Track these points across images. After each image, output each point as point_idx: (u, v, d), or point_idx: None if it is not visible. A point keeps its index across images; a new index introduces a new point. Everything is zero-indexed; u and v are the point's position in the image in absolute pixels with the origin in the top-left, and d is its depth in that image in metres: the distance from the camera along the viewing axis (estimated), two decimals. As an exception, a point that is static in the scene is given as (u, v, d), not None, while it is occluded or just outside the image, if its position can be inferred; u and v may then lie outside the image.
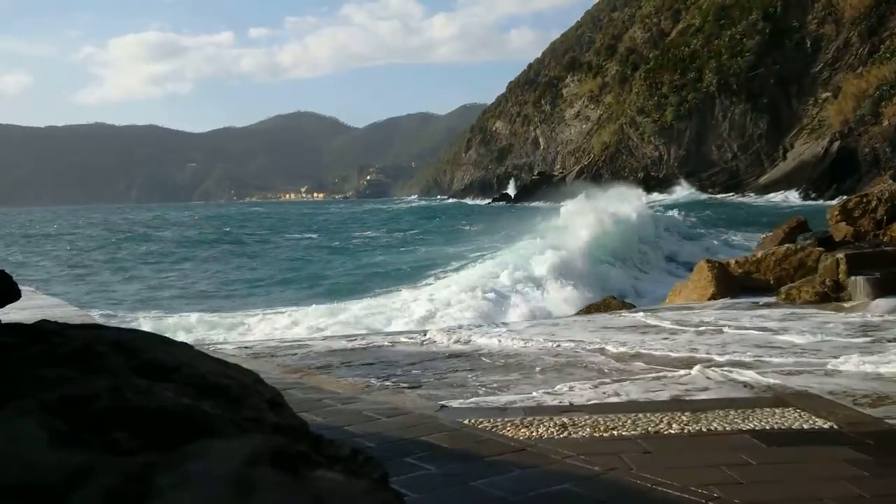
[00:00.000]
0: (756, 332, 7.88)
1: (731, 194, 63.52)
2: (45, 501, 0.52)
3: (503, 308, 13.25)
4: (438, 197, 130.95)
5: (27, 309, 7.38)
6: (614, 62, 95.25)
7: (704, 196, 62.56)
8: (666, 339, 7.72)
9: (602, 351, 7.11)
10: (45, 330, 1.17)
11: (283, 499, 0.55)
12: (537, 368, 6.43)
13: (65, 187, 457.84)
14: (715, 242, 23.27)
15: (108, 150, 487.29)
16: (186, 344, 1.30)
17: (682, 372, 6.01)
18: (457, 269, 19.11)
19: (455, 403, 5.19)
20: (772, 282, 11.52)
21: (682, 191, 66.21)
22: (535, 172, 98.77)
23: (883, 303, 9.71)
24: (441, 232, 38.54)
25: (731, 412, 4.69)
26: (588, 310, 11.44)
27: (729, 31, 69.98)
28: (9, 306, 1.58)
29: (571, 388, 5.59)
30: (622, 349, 7.13)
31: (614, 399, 5.28)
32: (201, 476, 0.55)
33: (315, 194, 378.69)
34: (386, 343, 8.08)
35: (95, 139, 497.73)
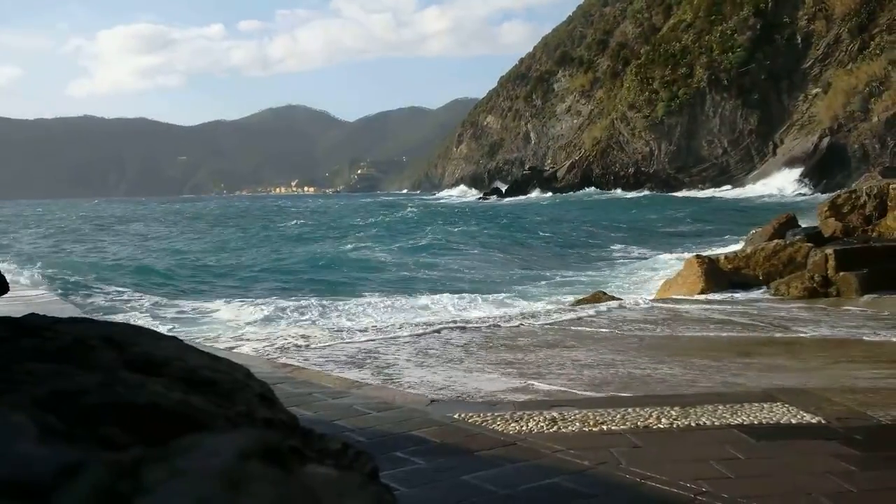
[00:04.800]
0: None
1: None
2: (37, 496, 0.52)
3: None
4: (436, 193, 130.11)
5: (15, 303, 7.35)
6: (605, 57, 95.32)
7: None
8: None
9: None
10: (34, 324, 1.17)
11: (275, 493, 0.55)
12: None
13: (54, 180, 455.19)
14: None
15: (98, 143, 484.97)
16: (176, 338, 1.30)
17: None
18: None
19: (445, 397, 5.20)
20: (761, 277, 11.57)
21: None
22: (526, 167, 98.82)
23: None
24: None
25: (720, 407, 4.72)
26: (577, 303, 11.47)
27: (720, 27, 70.09)
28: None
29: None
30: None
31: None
32: (193, 471, 0.55)
33: (306, 188, 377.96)
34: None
35: (85, 132, 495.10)
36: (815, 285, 10.56)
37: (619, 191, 70.54)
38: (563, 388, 5.57)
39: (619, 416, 4.55)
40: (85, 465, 0.54)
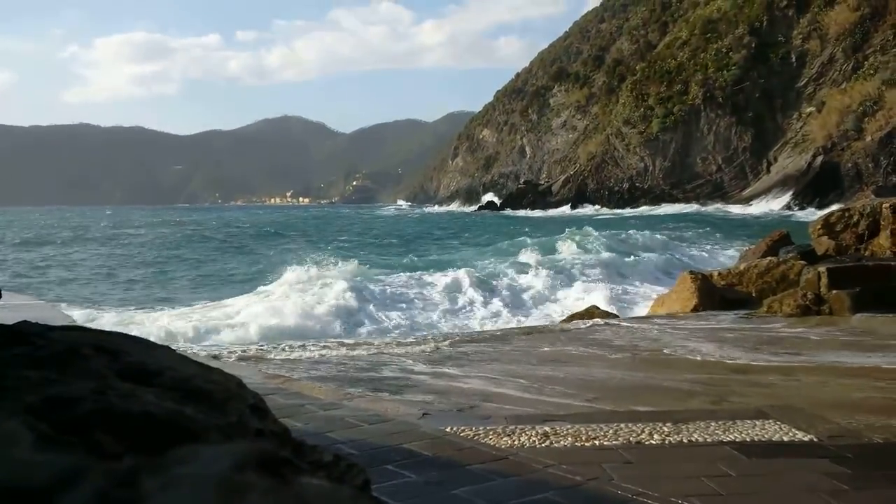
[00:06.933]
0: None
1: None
2: (37, 503, 0.52)
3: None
4: (428, 207, 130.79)
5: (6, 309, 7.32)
6: (601, 73, 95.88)
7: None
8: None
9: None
10: (26, 332, 1.16)
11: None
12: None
13: (49, 187, 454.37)
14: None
15: (93, 151, 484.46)
16: (169, 347, 1.29)
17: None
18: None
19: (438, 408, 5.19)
20: (754, 294, 11.59)
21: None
22: (522, 181, 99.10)
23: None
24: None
25: (712, 423, 4.72)
26: (571, 318, 11.47)
27: (715, 45, 70.59)
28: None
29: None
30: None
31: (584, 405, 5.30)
32: (190, 480, 0.55)
33: (301, 199, 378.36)
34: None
35: (80, 139, 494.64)
36: (807, 303, 10.58)
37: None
38: (555, 402, 5.56)
39: (611, 431, 4.54)
40: (84, 472, 0.53)
